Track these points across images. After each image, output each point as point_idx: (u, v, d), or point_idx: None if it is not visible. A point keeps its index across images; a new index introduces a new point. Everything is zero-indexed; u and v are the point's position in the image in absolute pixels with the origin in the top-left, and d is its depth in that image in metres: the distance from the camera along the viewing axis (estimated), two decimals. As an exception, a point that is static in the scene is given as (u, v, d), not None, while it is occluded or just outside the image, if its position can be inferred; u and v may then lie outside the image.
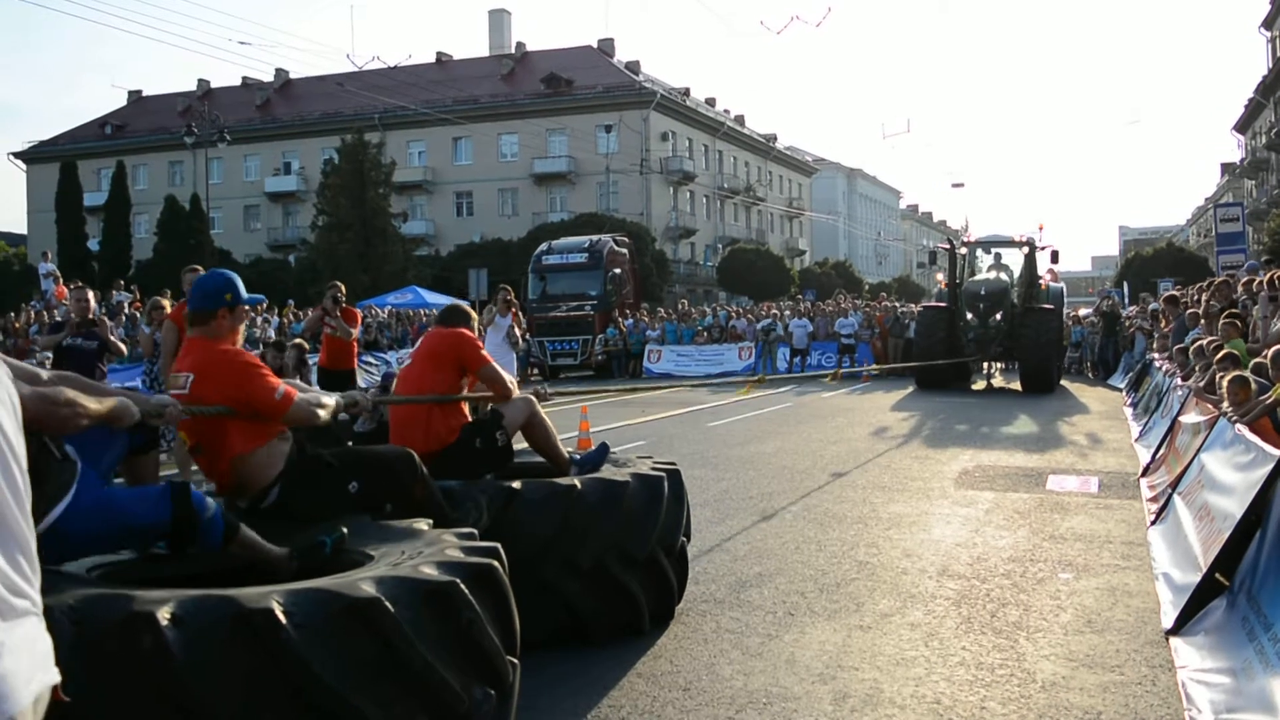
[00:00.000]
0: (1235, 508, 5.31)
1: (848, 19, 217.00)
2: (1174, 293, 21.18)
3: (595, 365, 31.87)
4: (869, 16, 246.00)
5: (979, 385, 24.58)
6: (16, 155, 75.10)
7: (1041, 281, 24.67)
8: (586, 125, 64.33)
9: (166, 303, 12.14)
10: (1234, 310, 12.22)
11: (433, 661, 3.03)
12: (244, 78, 72.91)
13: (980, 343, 22.75)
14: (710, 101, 79.76)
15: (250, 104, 72.64)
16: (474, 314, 6.15)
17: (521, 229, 58.79)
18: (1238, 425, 6.77)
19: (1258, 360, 8.92)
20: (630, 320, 32.77)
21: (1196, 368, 11.13)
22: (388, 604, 2.98)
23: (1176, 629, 5.13)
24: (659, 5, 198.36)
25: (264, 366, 4.33)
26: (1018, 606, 5.80)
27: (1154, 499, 8.53)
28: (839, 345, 28.99)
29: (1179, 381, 12.04)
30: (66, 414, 3.05)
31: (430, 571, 3.23)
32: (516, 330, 15.35)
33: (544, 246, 35.86)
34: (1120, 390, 21.73)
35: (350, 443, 6.91)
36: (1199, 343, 11.96)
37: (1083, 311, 36.66)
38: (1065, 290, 27.94)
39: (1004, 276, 24.00)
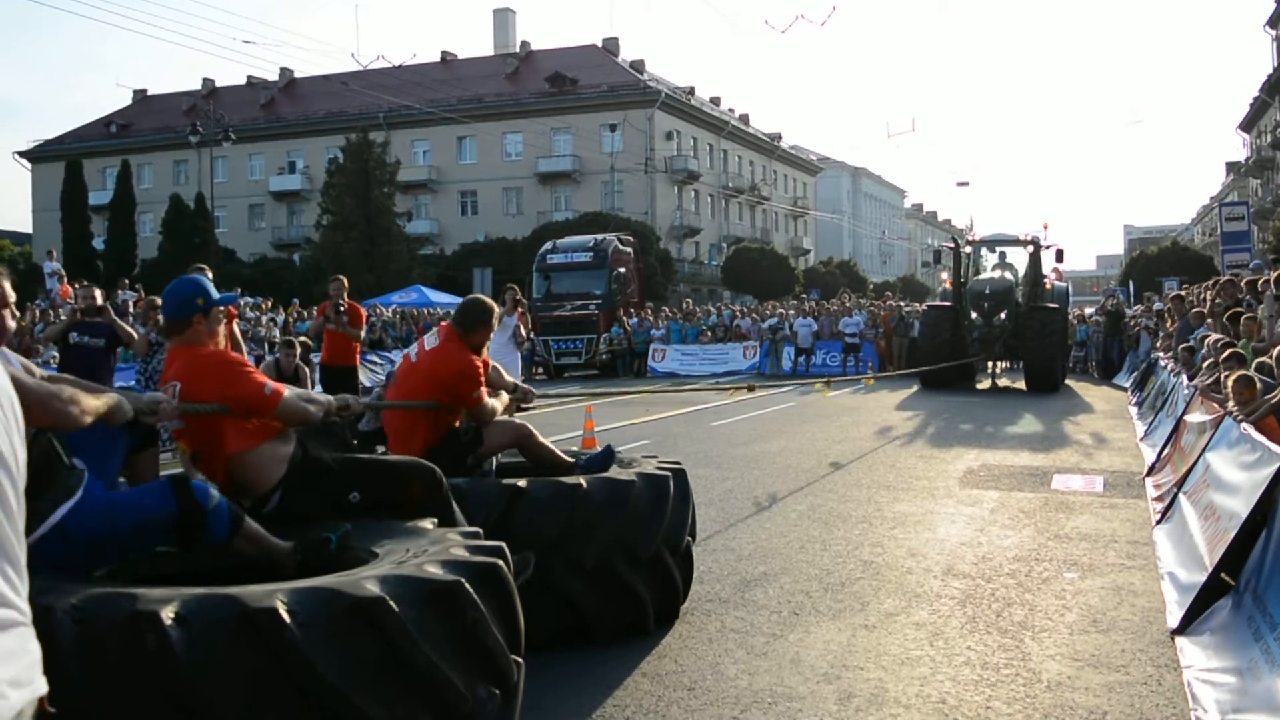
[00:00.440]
0: (1241, 507, 5.30)
1: (852, 18, 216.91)
2: (1180, 293, 21.16)
3: (600, 364, 31.86)
4: (874, 16, 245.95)
5: (983, 384, 24.55)
6: (22, 154, 75.21)
7: (1046, 280, 24.65)
8: (591, 124, 64.32)
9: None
10: (1239, 310, 12.21)
11: (437, 661, 3.02)
12: (249, 77, 73.01)
13: (985, 342, 22.74)
14: (715, 100, 79.74)
15: (255, 103, 72.69)
16: (496, 310, 6.03)
17: (526, 228, 58.82)
18: (1243, 424, 6.76)
19: (1263, 360, 8.91)
20: (635, 319, 32.77)
21: (1204, 366, 11.11)
22: (392, 603, 2.97)
23: (1182, 628, 5.12)
24: (664, 4, 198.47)
25: (249, 364, 4.33)
26: (1023, 606, 5.79)
27: (1159, 498, 8.52)
28: (843, 345, 28.97)
29: (1184, 380, 12.03)
30: (70, 410, 3.04)
31: (435, 570, 3.22)
32: (523, 330, 15.36)
33: (548, 245, 35.85)
34: (1125, 389, 21.72)
35: (355, 441, 6.89)
36: (1208, 339, 11.95)
37: (1087, 310, 36.62)
38: (1070, 289, 27.93)
39: (1009, 275, 23.99)
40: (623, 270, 34.09)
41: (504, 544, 3.69)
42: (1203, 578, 5.30)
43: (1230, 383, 8.08)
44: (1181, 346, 14.09)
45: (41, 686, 1.69)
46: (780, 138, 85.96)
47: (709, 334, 32.18)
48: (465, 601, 3.18)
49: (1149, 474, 10.07)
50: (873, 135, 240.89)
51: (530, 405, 7.22)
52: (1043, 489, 9.75)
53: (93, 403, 3.19)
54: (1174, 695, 4.40)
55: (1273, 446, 5.55)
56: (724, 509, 8.72)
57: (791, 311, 32.50)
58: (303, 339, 12.73)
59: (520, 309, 15.41)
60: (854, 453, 12.34)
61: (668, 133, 66.21)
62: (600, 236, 36.39)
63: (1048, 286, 24.49)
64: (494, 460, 5.85)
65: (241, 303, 28.67)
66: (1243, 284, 14.30)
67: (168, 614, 2.70)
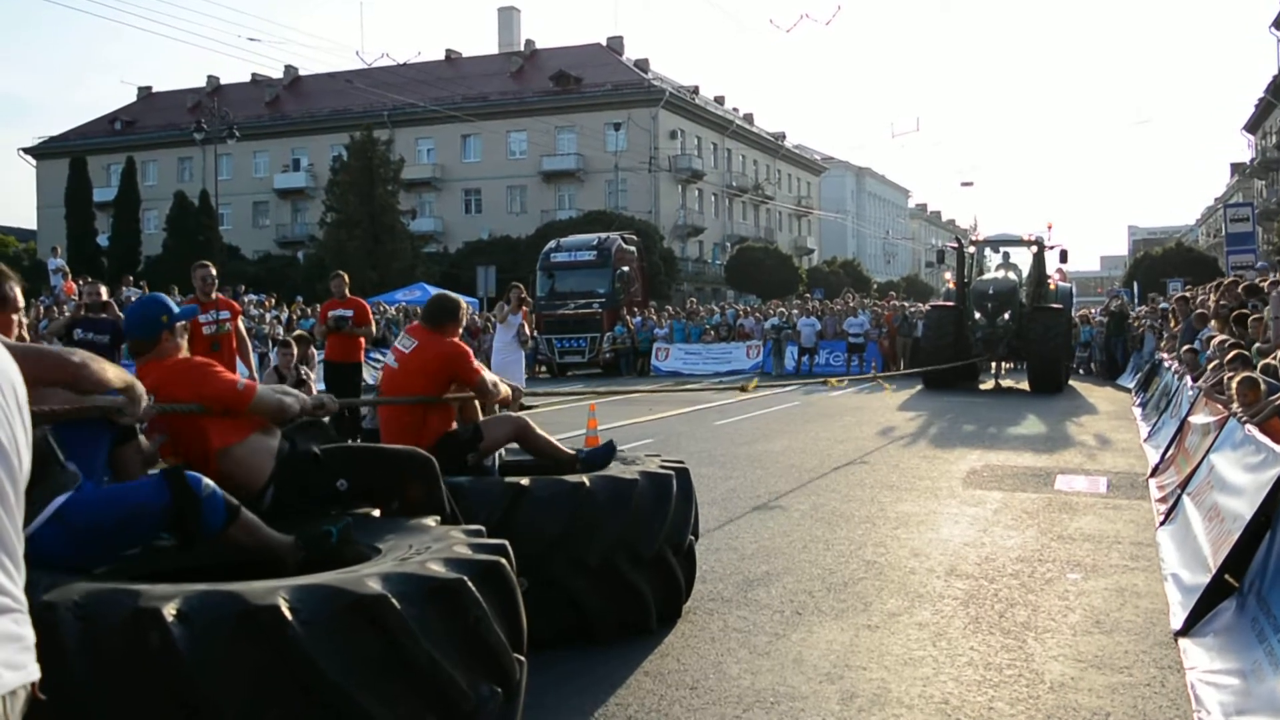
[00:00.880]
0: (1245, 508, 5.29)
1: (857, 17, 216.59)
2: (1185, 294, 21.14)
3: (603, 363, 31.88)
4: (878, 15, 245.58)
5: (987, 385, 24.55)
6: (27, 151, 75.40)
7: (1050, 281, 24.64)
8: (595, 123, 64.31)
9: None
10: (1244, 311, 12.19)
11: (439, 659, 3.02)
12: (253, 74, 73.13)
13: (988, 342, 22.73)
14: (719, 99, 79.71)
15: (260, 100, 72.79)
16: (464, 305, 6.04)
17: (530, 226, 58.86)
18: (1248, 426, 6.75)
19: (1268, 361, 8.89)
20: (638, 318, 32.77)
21: (1209, 367, 11.10)
22: (394, 601, 2.97)
23: (1185, 630, 5.11)
24: (668, 3, 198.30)
25: (217, 364, 4.41)
26: (1026, 607, 5.78)
27: (1163, 499, 8.50)
28: (847, 344, 28.97)
29: (1188, 382, 12.01)
30: (84, 372, 3.06)
31: (437, 568, 3.21)
32: (527, 328, 15.37)
33: (552, 244, 35.88)
34: (1129, 390, 21.70)
35: (352, 442, 6.89)
36: (1213, 340, 11.93)
37: (1092, 311, 36.61)
38: (1074, 290, 27.93)
39: (1012, 276, 23.97)
40: (626, 269, 34.10)
41: (507, 542, 3.69)
42: (1206, 579, 5.29)
43: (1234, 384, 8.07)
44: (1185, 348, 14.07)
45: (34, 672, 1.70)
46: (784, 137, 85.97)
47: (712, 333, 32.17)
48: (468, 599, 3.17)
49: (1153, 475, 10.06)
50: (877, 135, 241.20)
51: (531, 407, 7.23)
52: (1046, 490, 9.75)
53: (111, 370, 3.22)
54: (1177, 697, 4.40)
55: (1277, 448, 5.54)
56: (727, 508, 8.72)
57: (795, 311, 32.50)
58: (299, 333, 12.70)
59: (525, 307, 15.41)
60: (857, 452, 12.33)
61: (672, 132, 66.23)
62: (604, 235, 36.42)
63: (1051, 287, 24.48)
64: (496, 459, 5.85)
65: (246, 300, 28.72)
66: (1240, 289, 14.25)
67: (170, 611, 2.70)
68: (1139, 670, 4.74)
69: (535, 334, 23.37)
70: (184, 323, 4.47)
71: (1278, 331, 10.70)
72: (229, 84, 74.75)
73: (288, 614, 2.80)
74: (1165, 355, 17.97)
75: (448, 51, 74.37)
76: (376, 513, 4.30)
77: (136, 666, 2.65)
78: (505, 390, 5.86)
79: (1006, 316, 22.59)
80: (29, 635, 1.71)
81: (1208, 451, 7.50)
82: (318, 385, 12.39)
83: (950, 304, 24.07)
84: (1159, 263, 51.11)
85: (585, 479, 5.18)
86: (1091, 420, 16.65)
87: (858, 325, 29.15)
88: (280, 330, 26.30)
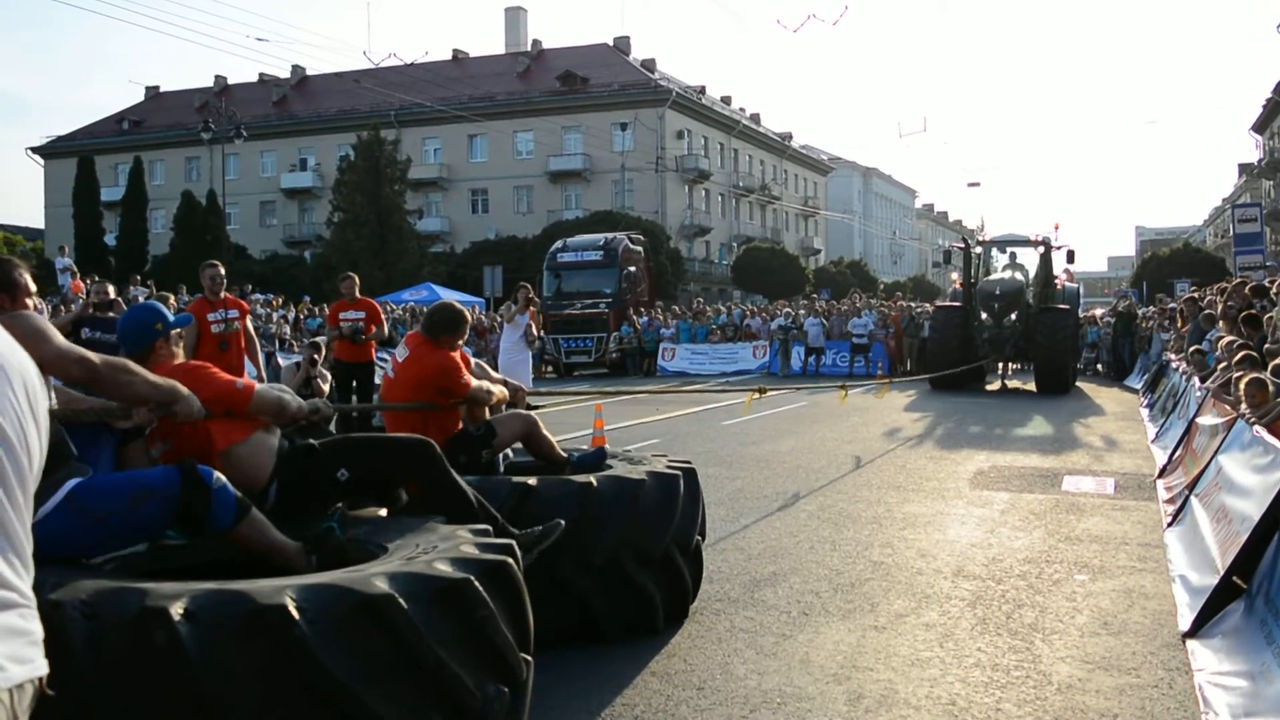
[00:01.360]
0: (1253, 510, 5.27)
1: (864, 17, 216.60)
2: (1193, 295, 21.10)
3: (609, 363, 31.87)
4: (886, 15, 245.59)
5: (993, 386, 24.49)
6: (35, 150, 75.51)
7: (1057, 281, 24.57)
8: (602, 123, 64.38)
9: (174, 300, 12.18)
10: (1252, 312, 12.16)
11: (446, 658, 3.02)
12: (261, 74, 73.26)
13: (995, 343, 22.67)
14: (726, 100, 79.73)
15: (267, 100, 72.90)
16: (467, 317, 6.00)
17: (536, 226, 58.92)
18: (1256, 427, 6.73)
19: (1277, 362, 8.87)
20: (645, 318, 32.74)
21: (1218, 368, 11.07)
22: (401, 600, 2.97)
23: (1193, 631, 5.10)
24: (675, 3, 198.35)
25: (212, 366, 4.36)
26: (1033, 608, 5.77)
27: (1170, 500, 8.49)
28: (851, 345, 28.93)
29: (1196, 383, 11.99)
30: (126, 380, 3.09)
31: (444, 568, 3.21)
32: (534, 329, 15.39)
33: (559, 244, 35.86)
34: (1136, 391, 21.64)
35: None
36: (1222, 341, 11.89)
37: (1098, 312, 36.53)
38: (1081, 290, 27.84)
39: (1019, 276, 23.91)
40: (633, 269, 34.07)
41: (513, 542, 3.69)
42: (1214, 581, 5.27)
43: (1243, 385, 8.05)
44: (1193, 349, 14.04)
45: (42, 667, 1.69)
46: (791, 137, 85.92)
47: (719, 333, 32.15)
48: (474, 599, 3.17)
49: (1160, 476, 10.04)
50: (884, 135, 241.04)
51: (538, 405, 7.25)
52: (1053, 491, 9.73)
53: (153, 378, 3.28)
54: (1185, 699, 4.39)
55: (1286, 449, 5.53)
56: (734, 508, 8.71)
57: (802, 311, 32.47)
58: (314, 340, 12.79)
59: (532, 308, 15.43)
60: (864, 453, 12.32)
61: (679, 132, 66.23)
62: (611, 235, 36.39)
63: (1058, 287, 24.41)
64: (502, 459, 5.86)
65: (252, 300, 28.73)
66: (1247, 289, 14.22)
67: (177, 610, 2.70)
68: (1147, 672, 4.73)
69: (542, 334, 23.41)
70: (178, 330, 4.43)
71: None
72: (236, 84, 74.86)
73: (295, 613, 2.80)
74: (1173, 356, 17.94)
75: (454, 51, 74.43)
76: (383, 512, 4.30)
77: (143, 665, 2.65)
78: (499, 393, 5.87)
79: (1013, 317, 22.54)
80: (37, 630, 1.70)
81: (1216, 453, 7.48)
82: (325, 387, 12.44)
83: (957, 304, 24.01)
84: (1166, 263, 50.94)
85: (593, 479, 5.19)
86: (1099, 421, 16.61)
87: (862, 326, 29.09)
88: (287, 329, 26.33)
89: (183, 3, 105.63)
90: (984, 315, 22.67)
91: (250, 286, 33.25)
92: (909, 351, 28.55)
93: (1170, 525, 7.62)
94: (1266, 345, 10.60)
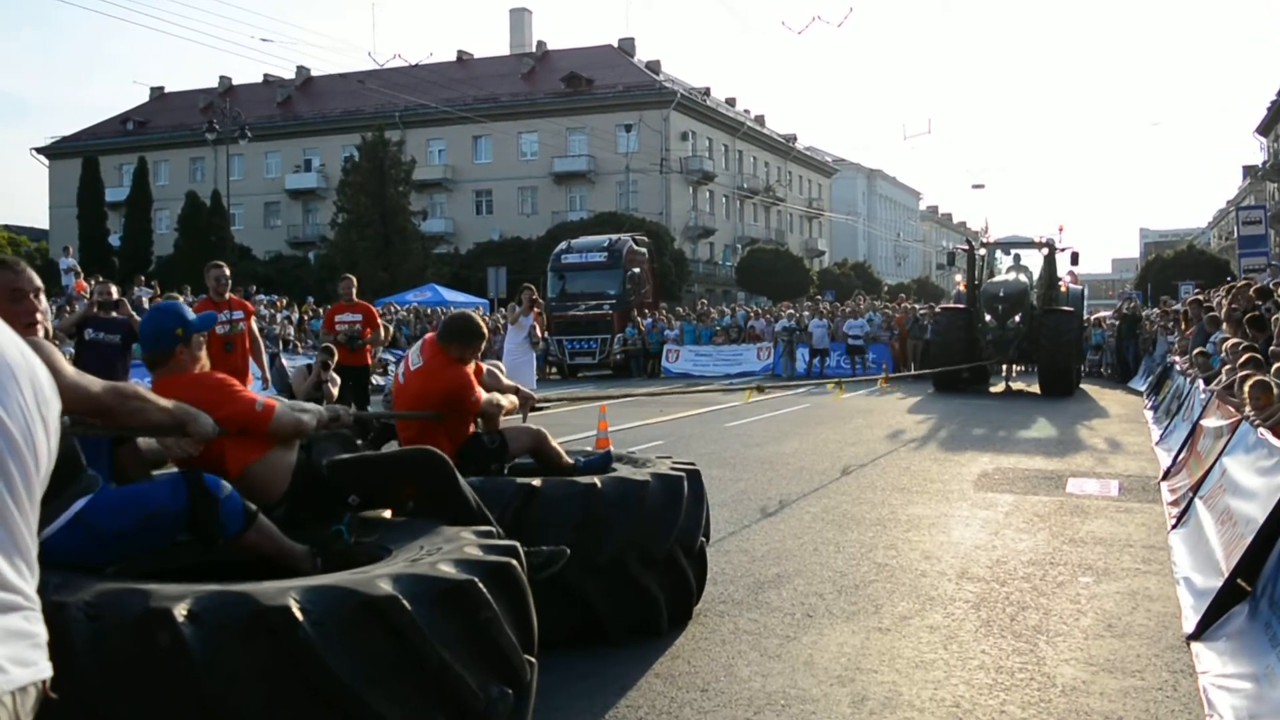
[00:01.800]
0: (1258, 512, 5.26)
1: (869, 19, 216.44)
2: (1197, 297, 21.06)
3: (614, 364, 31.87)
4: (891, 17, 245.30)
5: (997, 388, 24.48)
6: (39, 150, 75.61)
7: (1061, 283, 24.54)
8: (606, 124, 64.40)
9: (180, 300, 12.19)
10: (1257, 315, 12.14)
11: (449, 660, 3.02)
12: (265, 75, 73.35)
13: (999, 345, 22.67)
14: (730, 101, 79.72)
15: (271, 101, 72.98)
16: (484, 332, 5.88)
17: (541, 228, 58.92)
18: (1260, 429, 6.72)
19: (1281, 365, 8.85)
20: (649, 320, 32.75)
21: (1222, 370, 11.05)
22: (405, 602, 2.97)
23: (1198, 634, 5.09)
24: (680, 5, 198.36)
25: (235, 382, 4.20)
26: (1038, 610, 5.76)
27: (1175, 503, 8.48)
28: (846, 346, 28.91)
29: (1200, 385, 11.97)
30: (136, 407, 3.09)
31: (448, 569, 3.21)
32: (538, 330, 15.39)
33: (563, 245, 35.87)
34: (1140, 393, 21.62)
35: (360, 441, 6.84)
36: (1227, 343, 11.87)
37: (1103, 314, 36.48)
38: (1085, 292, 27.80)
39: (1023, 278, 23.92)
40: (637, 270, 34.09)
41: (518, 543, 3.69)
42: (1219, 583, 5.26)
43: (1247, 387, 8.03)
44: (1197, 351, 14.02)
45: (45, 669, 1.68)
46: (795, 139, 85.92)
47: (723, 335, 32.16)
48: (478, 600, 3.17)
49: (1164, 478, 10.03)
50: (888, 137, 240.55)
51: (543, 407, 7.23)
52: (1057, 493, 9.72)
53: (163, 402, 3.28)
54: (1189, 701, 4.38)
55: (1291, 452, 5.52)
56: (737, 510, 8.70)
57: (806, 313, 32.46)
58: (326, 345, 12.78)
59: (536, 309, 15.43)
60: (868, 455, 12.31)
61: (683, 133, 66.26)
62: (615, 237, 36.42)
63: (1062, 289, 24.38)
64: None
65: (257, 300, 28.76)
66: (1252, 291, 14.19)
67: (180, 611, 2.70)
68: (1151, 674, 4.72)
69: (546, 335, 23.37)
70: (200, 334, 4.27)
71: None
72: (241, 84, 74.96)
73: (299, 615, 2.80)
74: (1177, 358, 17.92)
75: (459, 52, 74.49)
76: (388, 514, 4.30)
77: (147, 666, 2.65)
78: (508, 404, 5.83)
79: (1017, 319, 22.53)
80: (40, 633, 1.69)
81: (1220, 455, 7.47)
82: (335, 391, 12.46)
83: (961, 306, 24.00)
84: (1171, 265, 50.96)
85: (597, 480, 5.19)
86: (1103, 423, 16.59)
87: (857, 327, 29.07)
88: (291, 330, 26.36)
89: (187, 3, 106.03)
90: (988, 317, 22.67)
91: (254, 287, 33.26)
92: (913, 353, 28.54)
93: (1174, 528, 7.61)
94: (1271, 347, 10.57)
